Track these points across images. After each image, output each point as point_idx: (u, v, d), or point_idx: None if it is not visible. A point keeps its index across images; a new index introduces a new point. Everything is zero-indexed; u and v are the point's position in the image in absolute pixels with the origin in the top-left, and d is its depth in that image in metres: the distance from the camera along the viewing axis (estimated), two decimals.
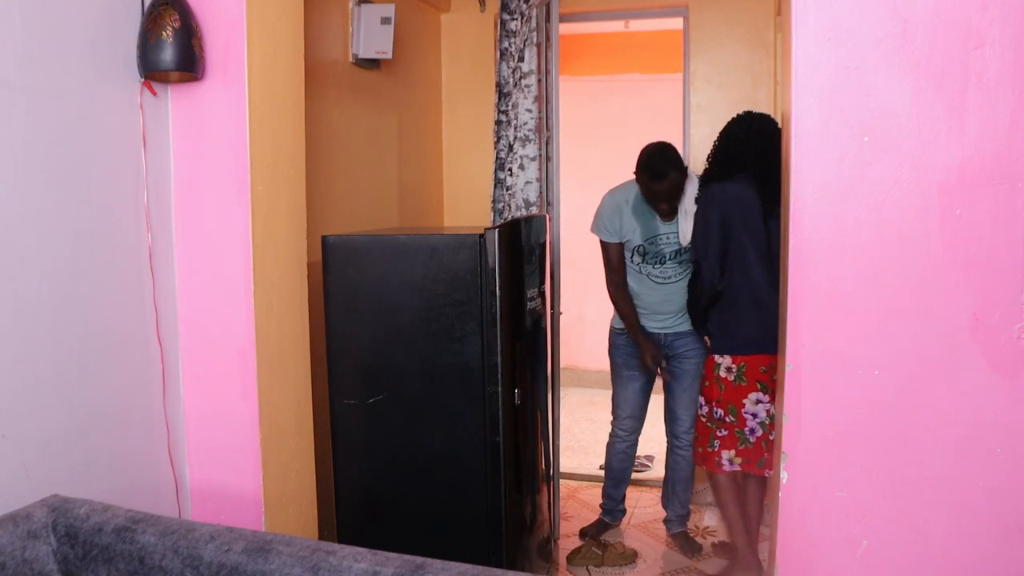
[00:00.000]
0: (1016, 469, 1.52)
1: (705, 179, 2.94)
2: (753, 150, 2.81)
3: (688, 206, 3.02)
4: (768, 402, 2.82)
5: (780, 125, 2.90)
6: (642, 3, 3.81)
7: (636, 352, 3.25)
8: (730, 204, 2.76)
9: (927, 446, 1.56)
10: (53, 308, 1.82)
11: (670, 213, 3.10)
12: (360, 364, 2.45)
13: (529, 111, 3.47)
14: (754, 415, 2.85)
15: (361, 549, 1.52)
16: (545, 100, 3.54)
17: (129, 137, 2.03)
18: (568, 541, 3.39)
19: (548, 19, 3.56)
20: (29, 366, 1.77)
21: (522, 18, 3.52)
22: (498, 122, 3.69)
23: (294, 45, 2.28)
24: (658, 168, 2.98)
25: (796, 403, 1.62)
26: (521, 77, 3.57)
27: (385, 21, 3.11)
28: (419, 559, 1.50)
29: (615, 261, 3.25)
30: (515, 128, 3.58)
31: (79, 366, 1.90)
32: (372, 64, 3.26)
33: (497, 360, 2.32)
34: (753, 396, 2.83)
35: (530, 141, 3.50)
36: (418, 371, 2.39)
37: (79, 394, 1.89)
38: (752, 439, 2.86)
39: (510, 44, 3.63)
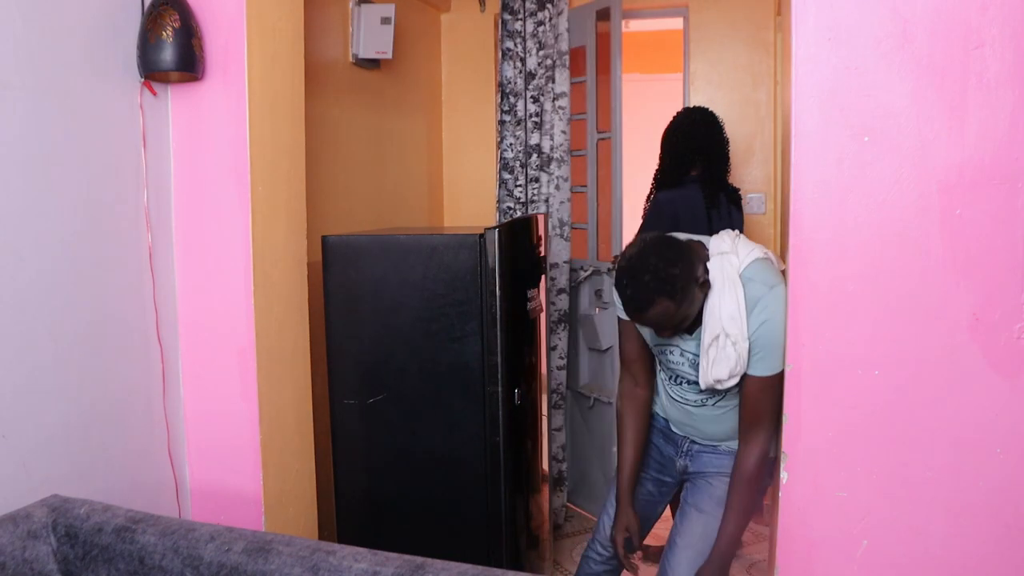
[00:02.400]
0: (1016, 469, 1.51)
1: (656, 186, 3.07)
2: (698, 146, 2.95)
3: (708, 326, 1.85)
4: None
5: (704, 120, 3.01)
6: (642, 3, 3.81)
7: (653, 448, 2.18)
8: (678, 211, 2.90)
9: (927, 446, 1.56)
10: (53, 308, 1.82)
11: (685, 331, 1.92)
12: (360, 364, 2.45)
13: (564, 133, 3.55)
14: None
15: (361, 549, 1.53)
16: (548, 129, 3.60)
17: (129, 137, 2.03)
18: (568, 541, 3.39)
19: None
20: (29, 366, 1.77)
21: (533, 22, 3.55)
22: (501, 122, 3.70)
23: (294, 45, 2.28)
24: (631, 299, 1.79)
25: (796, 403, 1.62)
26: (541, 92, 3.59)
27: (385, 21, 3.11)
28: (419, 559, 1.50)
29: (626, 350, 2.11)
30: (527, 131, 3.61)
31: (79, 366, 1.90)
32: (372, 64, 3.26)
33: (497, 360, 2.32)
34: None
35: (564, 162, 3.58)
36: (418, 371, 2.39)
37: (79, 394, 1.89)
38: None
39: (513, 44, 3.64)
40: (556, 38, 3.54)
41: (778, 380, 1.77)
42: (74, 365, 1.88)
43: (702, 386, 1.89)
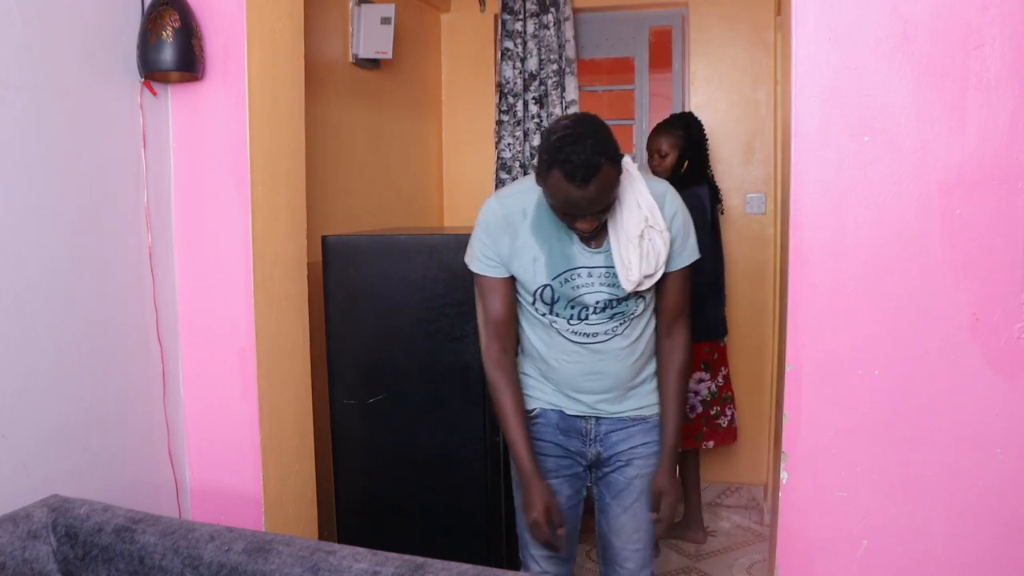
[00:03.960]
0: (1016, 469, 1.52)
1: (682, 183, 3.11)
2: (706, 149, 3.17)
3: (628, 221, 1.76)
4: (709, 380, 3.20)
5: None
6: (642, 3, 3.81)
7: (553, 448, 1.96)
8: (706, 209, 3.07)
9: (927, 446, 1.56)
10: (53, 308, 1.82)
11: (597, 237, 1.79)
12: (360, 364, 2.45)
13: None
14: (696, 392, 3.21)
15: (361, 549, 1.52)
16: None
17: (129, 137, 2.03)
18: None
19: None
20: (29, 366, 1.77)
21: (534, 23, 3.57)
22: (499, 122, 3.71)
23: (294, 45, 2.28)
24: (578, 161, 1.59)
25: (796, 403, 1.62)
26: (547, 96, 3.61)
27: (385, 21, 3.11)
28: (419, 559, 1.50)
29: (494, 311, 1.88)
30: (528, 133, 3.64)
31: (79, 366, 1.89)
32: (372, 64, 3.26)
33: None
34: (696, 375, 3.19)
35: None
36: (418, 371, 2.39)
37: (79, 394, 1.89)
38: (691, 415, 3.21)
39: (513, 44, 3.65)
40: (563, 45, 3.58)
41: (691, 267, 1.88)
42: (74, 365, 1.88)
43: (629, 288, 1.77)
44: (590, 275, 1.81)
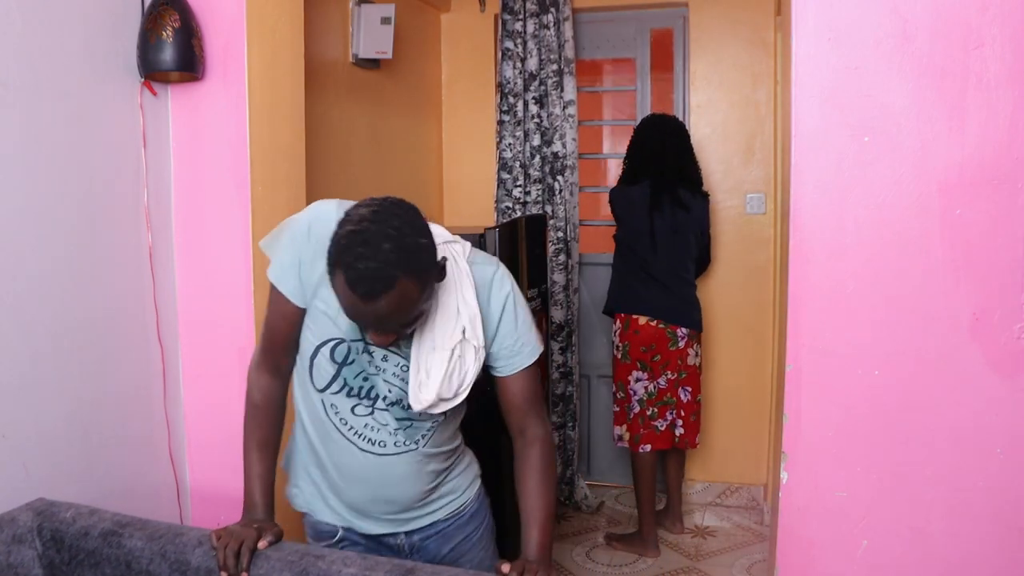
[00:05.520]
0: (1016, 469, 1.51)
1: (620, 179, 3.33)
2: (657, 155, 3.20)
3: (440, 329, 1.47)
4: (647, 380, 3.17)
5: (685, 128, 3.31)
6: (642, 3, 3.81)
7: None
8: (631, 202, 3.18)
9: (927, 446, 1.56)
10: (53, 308, 1.82)
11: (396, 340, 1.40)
12: None
13: (574, 140, 3.66)
14: (634, 392, 3.19)
15: (350, 554, 1.51)
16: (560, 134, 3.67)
17: (129, 137, 2.03)
18: (567, 541, 3.39)
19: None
20: (28, 367, 1.77)
21: (534, 23, 3.58)
22: (500, 122, 3.71)
23: (294, 45, 2.28)
24: (364, 271, 1.25)
25: (796, 403, 1.62)
26: (546, 96, 3.63)
27: (385, 21, 3.11)
28: (409, 563, 1.48)
29: (278, 331, 1.53)
30: (528, 133, 3.65)
31: (78, 366, 1.89)
32: (372, 64, 3.26)
33: None
34: (635, 374, 3.18)
35: (575, 168, 3.67)
36: None
37: (78, 395, 1.89)
38: (631, 415, 3.20)
39: (513, 44, 3.65)
40: (562, 45, 3.59)
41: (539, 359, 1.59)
42: (74, 365, 1.88)
43: (417, 407, 1.45)
44: (385, 359, 1.48)
